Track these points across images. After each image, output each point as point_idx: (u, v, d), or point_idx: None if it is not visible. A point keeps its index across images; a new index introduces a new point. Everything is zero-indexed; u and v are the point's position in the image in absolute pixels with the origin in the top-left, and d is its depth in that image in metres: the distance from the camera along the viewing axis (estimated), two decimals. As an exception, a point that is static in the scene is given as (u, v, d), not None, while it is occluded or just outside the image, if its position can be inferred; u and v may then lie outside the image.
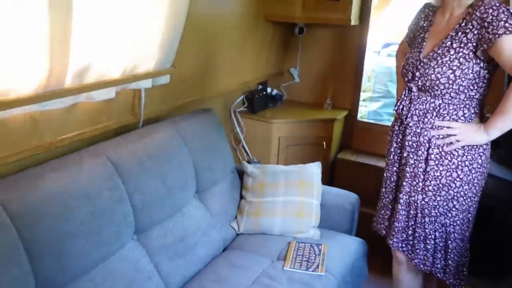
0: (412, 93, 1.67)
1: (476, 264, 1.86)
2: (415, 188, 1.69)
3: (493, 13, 1.47)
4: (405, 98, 1.69)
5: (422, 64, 1.63)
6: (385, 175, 1.86)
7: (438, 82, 1.58)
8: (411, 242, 1.75)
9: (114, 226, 1.50)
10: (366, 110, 4.04)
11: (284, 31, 2.99)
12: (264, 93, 2.96)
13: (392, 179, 1.82)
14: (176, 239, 1.75)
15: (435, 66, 1.58)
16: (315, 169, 2.17)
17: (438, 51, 1.60)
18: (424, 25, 1.74)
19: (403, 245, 1.78)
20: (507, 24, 1.44)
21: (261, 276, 1.73)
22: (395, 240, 1.78)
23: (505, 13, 1.45)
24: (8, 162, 1.42)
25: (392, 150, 1.79)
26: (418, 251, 1.74)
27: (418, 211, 1.70)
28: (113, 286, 1.46)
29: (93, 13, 1.42)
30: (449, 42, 1.58)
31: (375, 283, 2.37)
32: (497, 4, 1.48)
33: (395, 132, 1.77)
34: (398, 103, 1.71)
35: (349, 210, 2.11)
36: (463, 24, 1.56)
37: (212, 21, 2.24)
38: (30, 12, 1.22)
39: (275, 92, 3.11)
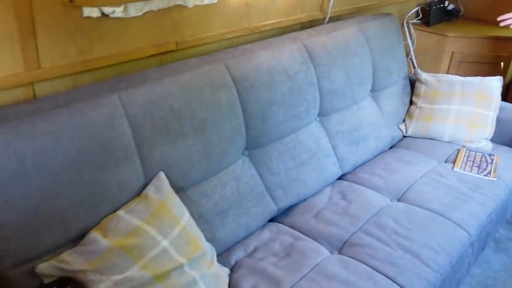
0: None
1: None
2: None
3: None
4: None
5: None
6: None
7: None
8: None
9: (305, 104, 1.70)
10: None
11: None
12: (441, 5, 2.83)
13: None
14: (351, 128, 1.91)
15: None
16: (495, 83, 2.09)
17: None
18: None
19: None
20: None
21: (430, 172, 1.82)
22: None
23: None
24: (225, 38, 1.68)
25: None
26: None
27: None
28: (300, 153, 1.69)
29: None
30: None
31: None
32: None
33: None
34: None
35: (528, 127, 2.03)
36: None
37: None
38: None
39: (451, 6, 2.95)
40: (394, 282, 1.29)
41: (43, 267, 1.07)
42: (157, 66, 1.42)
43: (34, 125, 1.07)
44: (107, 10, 1.24)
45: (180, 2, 1.43)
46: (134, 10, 1.31)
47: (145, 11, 1.35)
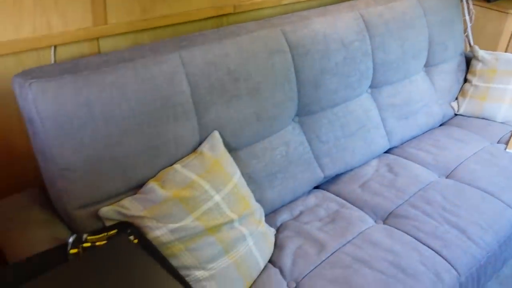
0: None
1: None
2: None
3: None
4: None
5: None
6: None
7: None
8: None
9: (358, 74, 1.69)
10: None
11: None
12: (505, -19, 2.69)
13: None
14: (402, 102, 1.88)
15: None
16: (559, 63, 2.00)
17: None
18: None
19: None
20: None
21: (481, 152, 1.78)
22: None
23: None
24: (282, 3, 1.68)
25: None
26: None
27: None
28: (349, 123, 1.69)
29: None
30: None
31: None
32: None
33: None
34: None
35: None
36: None
37: None
38: None
39: (515, -18, 2.80)
40: (439, 254, 1.30)
41: (105, 210, 1.14)
42: (215, 28, 1.44)
43: (103, 77, 1.12)
44: (172, -32, 1.27)
45: (241, -35, 1.44)
46: (198, -30, 1.33)
47: (207, -28, 1.37)
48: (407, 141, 1.90)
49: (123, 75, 1.15)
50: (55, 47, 1.26)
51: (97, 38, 1.30)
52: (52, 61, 1.28)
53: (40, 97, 1.04)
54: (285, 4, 1.69)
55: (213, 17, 1.51)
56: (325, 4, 1.79)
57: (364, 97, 1.77)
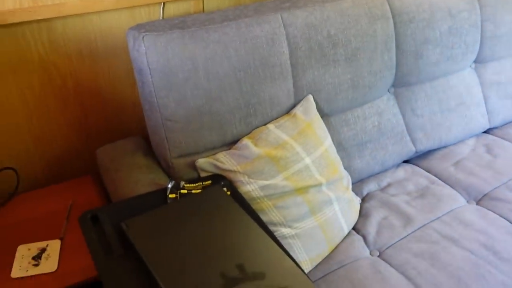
0: None
1: None
2: None
3: None
4: None
5: None
6: None
7: None
8: None
9: (463, 47, 1.59)
10: None
11: None
12: None
13: None
14: (508, 80, 1.74)
15: None
16: None
17: None
18: None
19: None
20: None
21: None
22: None
23: None
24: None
25: None
26: None
27: None
28: (448, 98, 1.61)
29: None
30: None
31: None
32: None
33: None
34: None
35: None
36: None
37: None
38: None
39: None
40: (538, 242, 1.22)
41: (202, 162, 1.20)
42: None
43: (207, 33, 1.16)
44: None
45: None
46: None
47: None
48: (510, 122, 1.77)
49: (227, 33, 1.18)
50: (163, 4, 1.33)
51: (203, -3, 1.34)
52: (161, 17, 1.35)
53: (151, 49, 1.11)
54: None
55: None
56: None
57: (467, 72, 1.67)
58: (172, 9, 1.35)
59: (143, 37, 1.11)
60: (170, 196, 1.10)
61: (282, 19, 1.26)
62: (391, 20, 1.43)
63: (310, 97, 1.33)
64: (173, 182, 1.14)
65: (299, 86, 1.32)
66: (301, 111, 1.30)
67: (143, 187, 1.16)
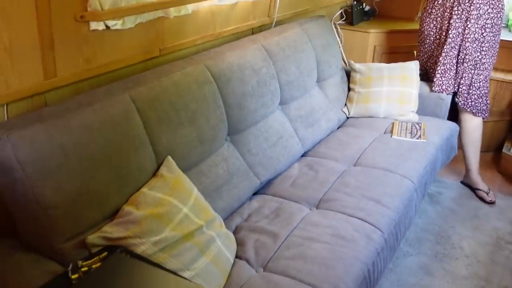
0: None
1: None
2: None
3: None
4: None
5: None
6: None
7: None
8: None
9: (270, 94, 2.01)
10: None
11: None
12: (360, 7, 3.30)
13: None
14: (307, 113, 2.25)
15: None
16: (414, 65, 2.54)
17: None
18: None
19: None
20: None
21: (374, 142, 2.20)
22: None
23: None
24: (196, 44, 1.95)
25: None
26: None
27: None
28: (270, 136, 1.99)
29: None
30: None
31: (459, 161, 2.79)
32: None
33: None
34: None
35: (444, 99, 2.50)
36: None
37: None
38: None
39: (367, 8, 3.43)
40: (365, 221, 1.63)
41: (91, 238, 1.26)
42: (144, 69, 1.65)
43: (69, 121, 1.27)
44: (110, 23, 1.46)
45: (163, 14, 1.68)
46: (129, 22, 1.54)
47: (137, 22, 1.58)
48: (317, 144, 2.26)
49: (87, 117, 1.31)
50: (7, 104, 1.36)
51: (46, 92, 1.43)
52: (6, 118, 1.37)
53: (19, 146, 1.16)
54: (199, 44, 1.96)
55: (142, 61, 1.71)
56: (229, 41, 2.08)
57: (278, 113, 2.10)
58: (15, 109, 1.38)
59: (8, 136, 1.15)
60: (73, 277, 1.13)
61: (130, 96, 1.44)
62: (214, 83, 1.75)
63: (169, 157, 1.52)
64: (71, 265, 1.17)
65: (158, 150, 1.50)
66: (166, 170, 1.48)
67: (38, 281, 1.16)
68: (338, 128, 2.45)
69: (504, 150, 2.83)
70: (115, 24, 1.48)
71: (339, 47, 3.18)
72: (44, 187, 1.19)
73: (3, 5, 1.18)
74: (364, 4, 3.40)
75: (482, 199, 2.53)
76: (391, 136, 2.24)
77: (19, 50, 1.27)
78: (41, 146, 1.19)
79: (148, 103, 1.48)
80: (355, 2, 3.34)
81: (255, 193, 1.89)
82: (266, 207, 1.75)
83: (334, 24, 3.18)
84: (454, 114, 2.58)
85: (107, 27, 1.47)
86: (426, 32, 2.52)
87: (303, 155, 2.17)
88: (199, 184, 1.62)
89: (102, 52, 1.53)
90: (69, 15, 1.36)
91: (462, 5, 2.29)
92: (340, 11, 3.23)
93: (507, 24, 3.38)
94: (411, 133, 2.26)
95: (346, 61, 3.03)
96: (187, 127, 1.60)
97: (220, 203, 1.67)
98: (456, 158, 2.56)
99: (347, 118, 2.55)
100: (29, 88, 1.36)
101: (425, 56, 2.59)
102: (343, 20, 3.26)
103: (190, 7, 1.78)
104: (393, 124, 2.38)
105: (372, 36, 3.12)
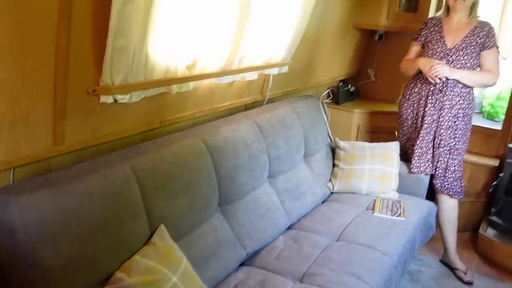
0: None
1: None
2: None
3: None
4: None
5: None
6: None
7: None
8: None
9: (259, 168, 2.12)
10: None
11: (366, 37, 3.56)
12: (346, 88, 3.54)
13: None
14: (293, 186, 2.36)
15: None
16: (395, 146, 2.71)
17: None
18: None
19: None
20: None
21: (357, 218, 2.30)
22: None
23: None
24: (195, 117, 2.08)
25: None
26: None
27: None
28: (259, 207, 2.08)
29: (257, 21, 2.05)
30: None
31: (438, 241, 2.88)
32: None
33: None
34: None
35: (422, 179, 2.64)
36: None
37: (314, 26, 2.83)
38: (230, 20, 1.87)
39: (353, 89, 3.68)
40: (347, 297, 1.69)
41: (83, 303, 1.30)
42: (153, 139, 1.77)
43: (74, 187, 1.35)
44: (118, 97, 1.59)
45: (165, 90, 1.82)
46: (135, 97, 1.67)
47: (141, 97, 1.71)
48: (302, 217, 2.34)
49: (89, 184, 1.39)
50: (14, 168, 1.44)
51: (52, 157, 1.52)
52: (11, 182, 1.44)
53: (25, 209, 1.23)
54: (197, 117, 2.09)
55: (143, 131, 1.83)
56: (224, 116, 2.23)
57: (266, 185, 2.20)
58: (21, 172, 1.46)
59: (15, 200, 1.22)
60: None
61: (131, 166, 1.54)
62: (208, 155, 1.86)
63: (162, 226, 1.59)
64: (61, 328, 1.20)
65: (152, 218, 1.57)
66: (158, 239, 1.54)
67: None
68: (322, 202, 2.55)
69: (480, 231, 2.94)
70: (123, 98, 1.60)
71: (326, 124, 3.37)
72: (43, 250, 1.24)
73: (27, 82, 1.30)
74: (349, 86, 3.64)
75: (460, 279, 2.60)
76: (373, 213, 2.35)
77: (34, 119, 1.37)
78: (45, 210, 1.26)
79: (147, 173, 1.58)
80: (341, 83, 3.58)
81: (241, 264, 1.94)
82: (252, 278, 1.80)
83: (322, 102, 3.39)
84: (431, 194, 2.72)
85: (115, 100, 1.60)
86: (404, 116, 2.71)
87: (288, 228, 2.25)
88: (189, 252, 1.67)
89: (108, 123, 1.65)
90: (82, 89, 1.48)
91: (436, 95, 2.50)
92: (327, 91, 3.46)
93: (481, 111, 3.65)
94: (391, 210, 2.37)
95: (332, 138, 3.19)
96: (181, 196, 1.69)
97: (208, 272, 1.72)
98: (435, 236, 2.66)
99: (331, 193, 2.66)
100: (37, 154, 1.44)
101: (404, 138, 2.77)
102: (329, 99, 3.47)
103: (191, 84, 1.93)
104: (375, 201, 2.49)
105: (356, 115, 3.32)
